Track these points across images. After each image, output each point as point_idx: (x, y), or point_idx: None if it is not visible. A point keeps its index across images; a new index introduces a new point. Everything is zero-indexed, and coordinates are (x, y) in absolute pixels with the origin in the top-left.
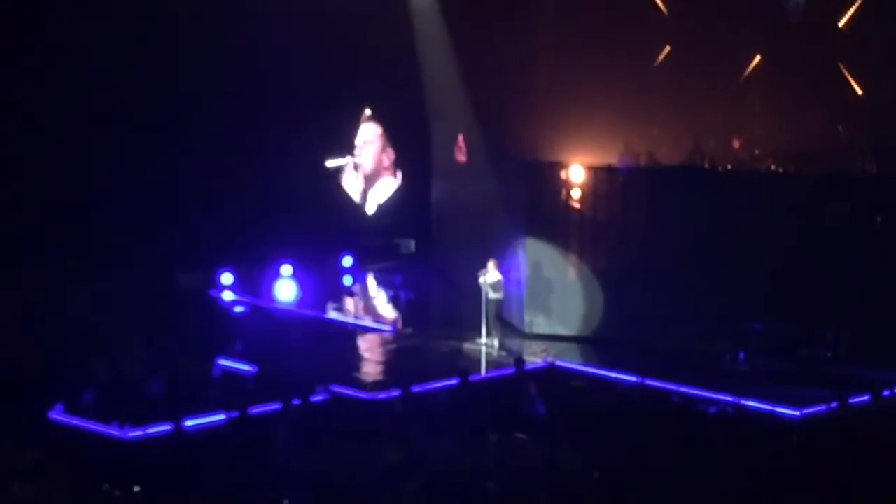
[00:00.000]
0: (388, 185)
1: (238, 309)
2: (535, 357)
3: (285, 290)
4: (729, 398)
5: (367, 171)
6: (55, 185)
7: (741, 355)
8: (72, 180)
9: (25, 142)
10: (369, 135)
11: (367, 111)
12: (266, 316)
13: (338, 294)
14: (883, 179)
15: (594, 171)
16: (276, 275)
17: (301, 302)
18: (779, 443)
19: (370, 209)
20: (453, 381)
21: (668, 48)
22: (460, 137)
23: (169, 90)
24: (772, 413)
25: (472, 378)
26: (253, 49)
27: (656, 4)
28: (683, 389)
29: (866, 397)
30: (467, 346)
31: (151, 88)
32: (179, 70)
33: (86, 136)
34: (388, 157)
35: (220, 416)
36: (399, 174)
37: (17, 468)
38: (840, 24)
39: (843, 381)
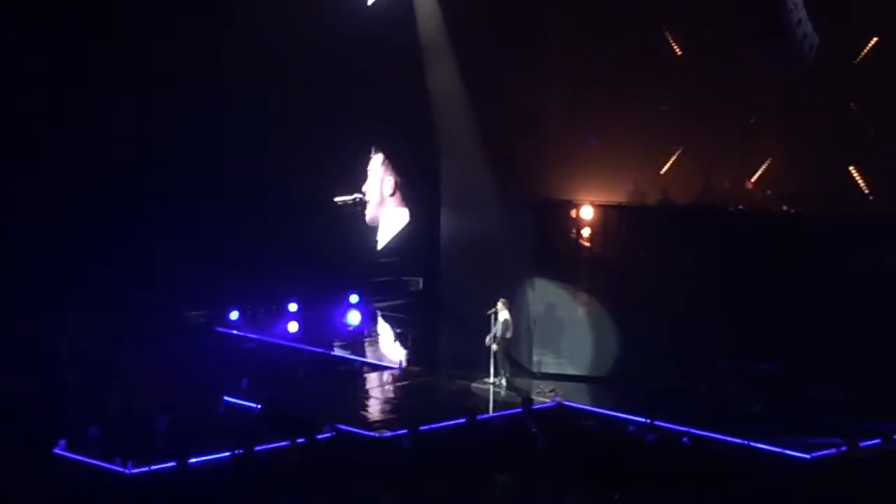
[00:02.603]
0: (398, 217)
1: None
2: (544, 397)
3: (292, 327)
4: (739, 440)
5: (372, 205)
6: (62, 220)
7: (752, 397)
8: (79, 215)
9: (34, 175)
10: (372, 167)
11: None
12: (272, 353)
13: (344, 331)
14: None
15: (604, 209)
16: (283, 312)
17: (307, 339)
18: (789, 485)
19: (381, 244)
20: (461, 421)
21: (680, 87)
22: None
23: (179, 130)
24: (782, 455)
25: (480, 417)
26: (261, 88)
27: (669, 45)
28: (693, 431)
29: (877, 441)
30: (475, 385)
31: (162, 126)
32: (189, 110)
33: (92, 172)
34: (389, 186)
35: (225, 454)
36: (407, 204)
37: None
38: (852, 65)
39: (854, 424)
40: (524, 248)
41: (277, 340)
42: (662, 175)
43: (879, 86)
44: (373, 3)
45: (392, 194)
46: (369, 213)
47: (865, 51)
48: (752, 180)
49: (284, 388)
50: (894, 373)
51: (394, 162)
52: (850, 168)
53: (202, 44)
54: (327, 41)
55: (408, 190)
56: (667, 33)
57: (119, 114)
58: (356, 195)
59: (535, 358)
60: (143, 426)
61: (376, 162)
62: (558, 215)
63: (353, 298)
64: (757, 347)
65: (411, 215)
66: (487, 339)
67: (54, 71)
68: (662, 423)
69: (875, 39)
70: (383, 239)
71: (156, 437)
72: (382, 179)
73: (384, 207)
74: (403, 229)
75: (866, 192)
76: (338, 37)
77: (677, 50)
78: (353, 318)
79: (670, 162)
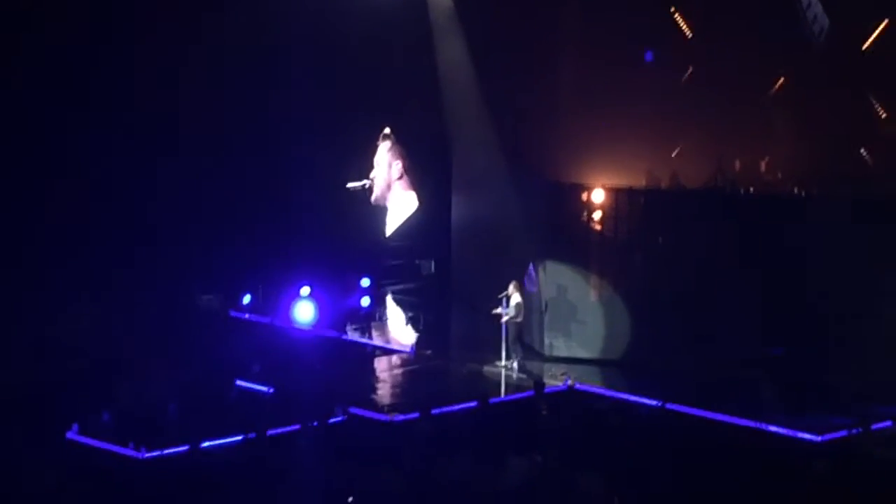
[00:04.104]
0: (406, 202)
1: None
2: (555, 380)
3: (304, 311)
4: (751, 423)
5: (378, 187)
6: (74, 205)
7: (763, 380)
8: (90, 201)
9: (42, 162)
10: (381, 151)
11: (386, 130)
12: (284, 337)
13: (356, 315)
14: None
15: (616, 192)
16: (295, 296)
17: (319, 323)
18: (800, 468)
19: (389, 230)
20: (472, 404)
21: (690, 69)
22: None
23: (189, 113)
24: (793, 438)
25: (492, 400)
26: (273, 72)
27: (680, 27)
28: (705, 414)
29: (888, 423)
30: (487, 368)
31: (171, 111)
32: (199, 94)
33: (103, 157)
34: (398, 169)
35: (238, 437)
36: (416, 188)
37: (36, 489)
38: (864, 47)
39: (866, 406)
40: (535, 232)
41: (289, 324)
42: (674, 158)
43: (890, 68)
44: None
45: (399, 177)
46: (374, 195)
47: (876, 33)
48: (765, 163)
49: (296, 371)
50: None
51: (404, 146)
52: (862, 151)
53: (210, 31)
54: (338, 25)
55: (418, 174)
56: (677, 15)
57: (133, 101)
58: (366, 181)
59: (546, 341)
60: (156, 410)
61: (383, 149)
62: (569, 198)
63: (365, 282)
64: (769, 330)
65: (420, 199)
66: (499, 310)
67: (65, 59)
68: (674, 406)
69: (886, 22)
70: (392, 224)
71: (168, 421)
72: (390, 164)
73: (391, 192)
74: (413, 214)
75: (878, 174)
76: (348, 21)
77: (687, 32)
78: (365, 301)
79: (681, 145)
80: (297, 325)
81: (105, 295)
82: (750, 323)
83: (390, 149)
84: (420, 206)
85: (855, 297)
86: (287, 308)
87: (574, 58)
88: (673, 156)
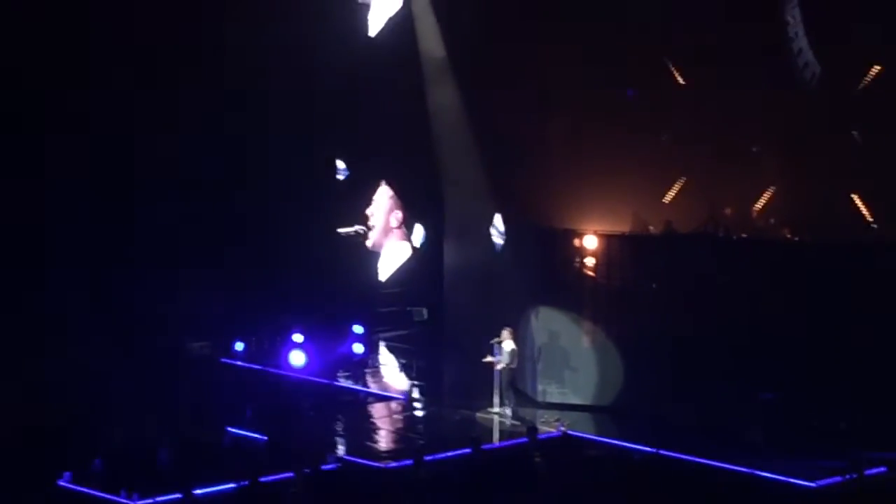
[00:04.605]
0: (400, 251)
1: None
2: (549, 426)
3: (297, 357)
4: (744, 469)
5: (376, 234)
6: (64, 249)
7: (754, 426)
8: (78, 245)
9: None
10: (380, 196)
11: (382, 182)
12: (277, 383)
13: (350, 362)
14: None
15: (608, 238)
16: (288, 342)
17: (312, 370)
18: None
19: (382, 276)
20: (466, 451)
21: (682, 116)
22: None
23: (181, 158)
24: (787, 483)
25: (485, 447)
26: (264, 116)
27: (672, 74)
28: (698, 460)
29: (882, 469)
30: (480, 415)
31: (164, 156)
32: (191, 139)
33: (95, 200)
34: (396, 219)
35: (231, 485)
36: (410, 238)
37: None
38: (854, 92)
39: (859, 452)
40: (528, 278)
41: (282, 371)
42: (666, 204)
43: (881, 114)
44: (376, 36)
45: (398, 227)
46: (372, 240)
47: (867, 79)
48: (756, 208)
49: (289, 418)
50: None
51: (400, 194)
52: (853, 196)
53: (196, 77)
54: (329, 71)
55: (412, 220)
56: (669, 63)
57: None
58: (358, 227)
59: (539, 387)
60: (148, 458)
61: (385, 192)
62: (562, 245)
63: (358, 329)
64: (762, 376)
65: (413, 249)
66: (490, 359)
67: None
68: (667, 453)
69: (877, 69)
70: (385, 270)
71: (160, 468)
72: (391, 211)
73: (388, 238)
74: (408, 260)
75: (869, 219)
76: (340, 67)
77: (680, 79)
78: (358, 348)
79: (674, 191)
80: (289, 372)
81: (96, 341)
82: (742, 367)
83: (392, 196)
84: (413, 253)
85: (845, 339)
86: (280, 355)
87: (565, 105)
88: (666, 201)
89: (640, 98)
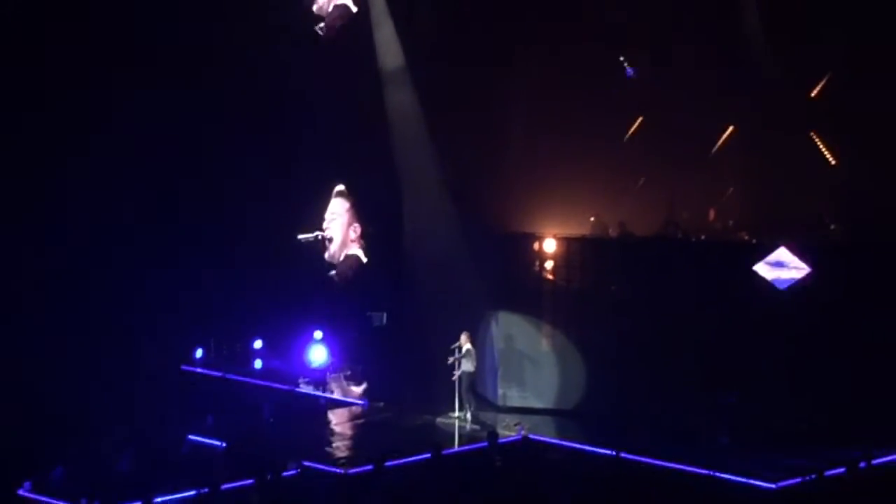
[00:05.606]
0: (356, 260)
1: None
2: (509, 430)
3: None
4: (705, 471)
5: (335, 244)
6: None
7: (717, 428)
8: (51, 255)
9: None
10: (337, 208)
11: (340, 186)
12: (236, 390)
13: (309, 368)
14: (855, 249)
15: (568, 242)
16: (248, 349)
17: (272, 376)
18: None
19: (340, 283)
20: (426, 456)
21: (640, 119)
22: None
23: (146, 170)
24: (748, 485)
25: (445, 452)
26: (225, 125)
27: (630, 76)
28: (659, 463)
29: (842, 470)
30: (440, 419)
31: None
32: (155, 149)
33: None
34: (355, 231)
35: (191, 492)
36: (364, 250)
37: None
38: (813, 94)
39: (819, 453)
40: (488, 282)
41: (242, 378)
42: (622, 208)
43: (836, 116)
44: (325, 35)
45: (354, 240)
46: (330, 252)
47: (822, 83)
48: (714, 211)
49: (249, 425)
50: (859, 401)
51: (357, 205)
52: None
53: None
54: (285, 77)
55: (371, 227)
56: (625, 64)
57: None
58: (318, 232)
59: (500, 391)
60: (108, 466)
61: (342, 205)
62: (521, 248)
63: (318, 335)
64: (723, 377)
65: (374, 251)
66: (452, 360)
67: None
68: (628, 455)
69: (829, 74)
70: (341, 279)
71: (120, 476)
72: (350, 224)
73: (346, 249)
74: (366, 265)
75: (827, 221)
76: (296, 73)
77: (638, 78)
78: (318, 354)
79: (631, 193)
80: (249, 379)
81: (55, 350)
82: (702, 370)
83: (349, 209)
84: (371, 258)
85: (805, 341)
86: (239, 361)
87: (523, 109)
88: (622, 205)
89: (598, 98)
